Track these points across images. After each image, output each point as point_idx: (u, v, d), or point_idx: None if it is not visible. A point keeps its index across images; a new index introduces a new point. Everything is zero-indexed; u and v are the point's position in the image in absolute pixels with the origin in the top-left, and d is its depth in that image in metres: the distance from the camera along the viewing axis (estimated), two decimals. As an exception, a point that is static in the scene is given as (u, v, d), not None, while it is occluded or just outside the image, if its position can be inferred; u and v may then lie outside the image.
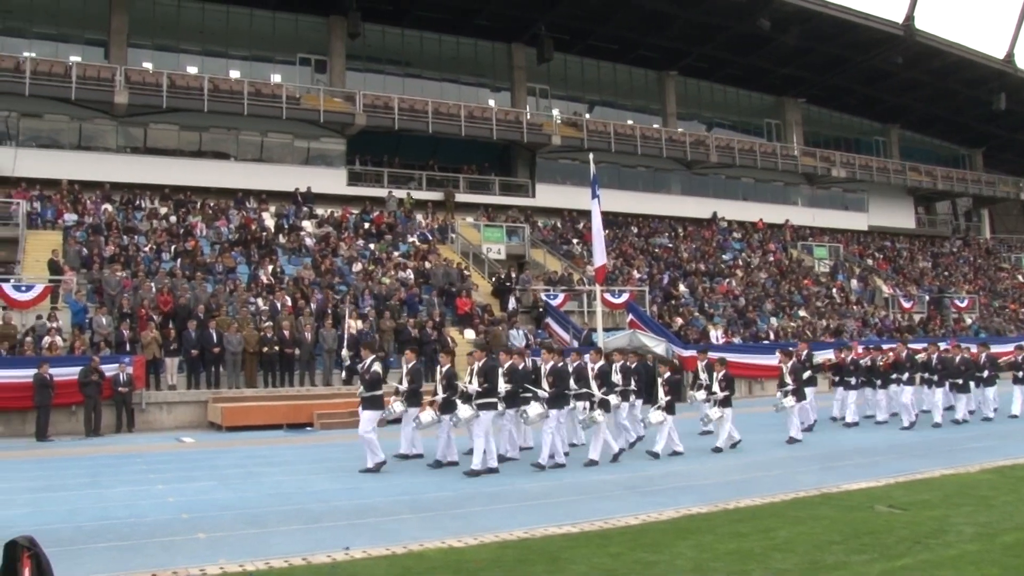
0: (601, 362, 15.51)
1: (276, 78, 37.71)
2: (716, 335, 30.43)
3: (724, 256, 41.22)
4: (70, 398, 19.63)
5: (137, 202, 31.08)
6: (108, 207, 29.79)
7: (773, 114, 52.05)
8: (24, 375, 19.28)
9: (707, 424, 17.98)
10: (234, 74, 36.55)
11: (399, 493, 12.13)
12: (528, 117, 41.01)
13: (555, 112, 43.69)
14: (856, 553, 8.42)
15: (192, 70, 35.82)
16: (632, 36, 43.86)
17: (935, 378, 20.56)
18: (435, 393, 14.79)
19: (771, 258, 42.73)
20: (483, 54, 43.59)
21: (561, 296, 30.08)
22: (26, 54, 32.14)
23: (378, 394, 14.24)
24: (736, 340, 30.74)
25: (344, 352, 18.84)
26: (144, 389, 21.13)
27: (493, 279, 31.36)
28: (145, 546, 9.03)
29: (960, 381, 20.77)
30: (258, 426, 20.09)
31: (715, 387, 17.14)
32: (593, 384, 15.00)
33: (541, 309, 29.54)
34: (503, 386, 14.34)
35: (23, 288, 22.60)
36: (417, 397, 14.92)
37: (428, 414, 14.44)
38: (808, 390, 19.64)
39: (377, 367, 14.47)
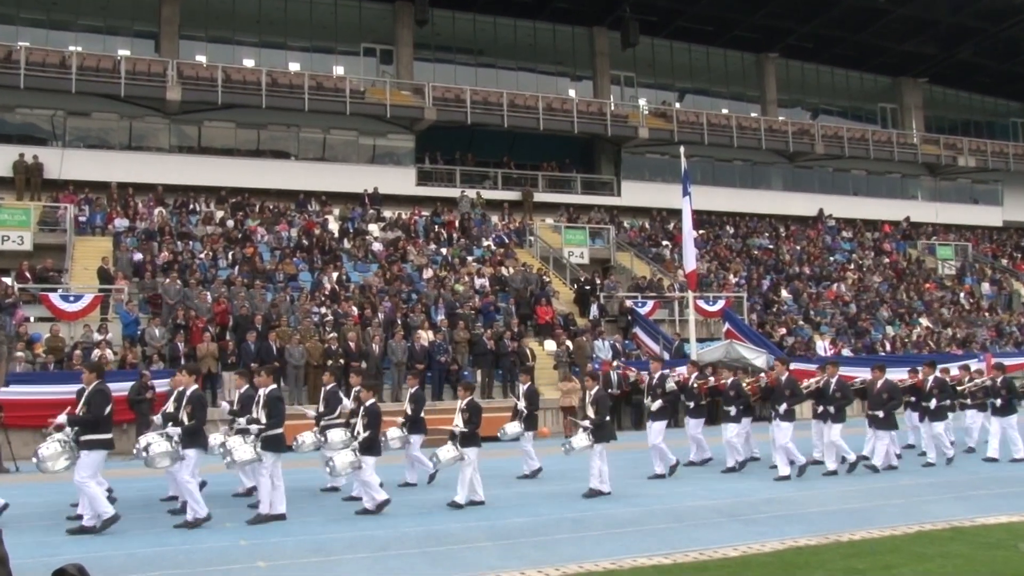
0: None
1: (339, 70, 38.25)
2: (823, 346, 29.93)
3: (832, 258, 40.50)
4: (121, 416, 20.01)
5: (191, 205, 31.79)
6: (161, 211, 30.50)
7: (889, 97, 50.95)
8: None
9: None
10: (294, 67, 37.19)
11: (476, 519, 12.11)
12: (612, 108, 40.89)
13: (642, 102, 43.36)
14: (995, 596, 8.05)
15: (249, 63, 36.56)
16: (727, 15, 43.48)
17: (819, 408, 16.56)
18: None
19: (886, 259, 41.82)
20: (562, 40, 43.56)
21: (650, 304, 29.87)
22: (72, 48, 33.05)
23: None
24: (846, 352, 30.10)
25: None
26: (200, 406, 21.50)
27: (575, 285, 31.25)
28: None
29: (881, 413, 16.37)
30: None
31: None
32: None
33: (629, 318, 29.32)
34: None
35: (71, 298, 23.23)
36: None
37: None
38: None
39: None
